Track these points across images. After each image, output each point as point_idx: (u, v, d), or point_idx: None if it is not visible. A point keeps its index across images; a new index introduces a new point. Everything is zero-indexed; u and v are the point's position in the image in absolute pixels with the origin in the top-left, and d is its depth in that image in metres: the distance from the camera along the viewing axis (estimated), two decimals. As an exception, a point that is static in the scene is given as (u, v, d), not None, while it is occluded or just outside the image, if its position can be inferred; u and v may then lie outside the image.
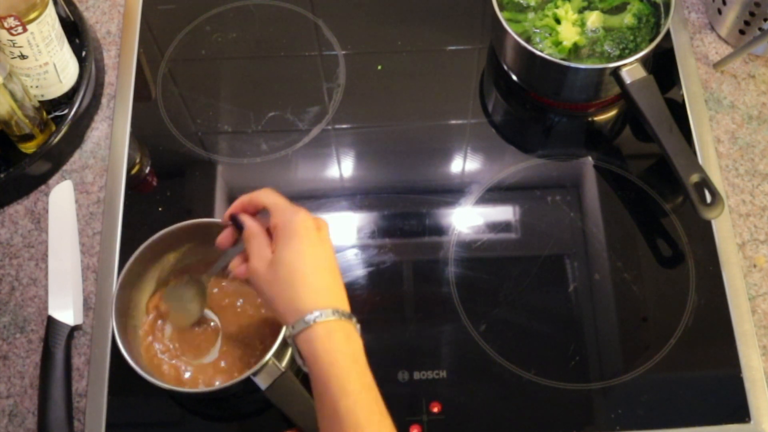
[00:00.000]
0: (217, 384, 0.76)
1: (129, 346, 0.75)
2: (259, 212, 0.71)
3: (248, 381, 0.74)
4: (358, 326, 0.66)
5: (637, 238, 0.89)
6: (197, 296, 0.79)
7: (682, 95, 0.96)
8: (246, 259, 0.69)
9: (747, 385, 0.80)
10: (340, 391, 0.61)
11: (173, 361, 0.78)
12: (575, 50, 0.91)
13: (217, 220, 0.81)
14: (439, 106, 0.98)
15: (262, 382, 0.73)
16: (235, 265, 0.71)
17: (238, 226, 0.71)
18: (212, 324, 0.81)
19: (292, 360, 0.79)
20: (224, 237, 0.73)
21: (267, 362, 0.73)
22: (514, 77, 0.96)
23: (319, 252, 0.67)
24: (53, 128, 0.92)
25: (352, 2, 1.06)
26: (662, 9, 0.92)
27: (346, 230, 0.90)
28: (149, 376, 0.73)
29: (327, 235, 0.69)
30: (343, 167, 0.95)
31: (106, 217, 0.90)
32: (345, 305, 0.67)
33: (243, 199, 0.71)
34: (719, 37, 1.01)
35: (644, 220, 0.90)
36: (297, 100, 0.98)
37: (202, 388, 0.77)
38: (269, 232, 0.69)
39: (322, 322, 0.63)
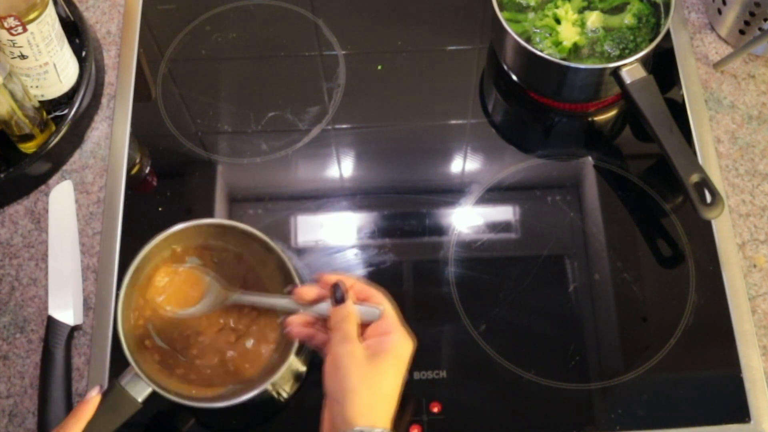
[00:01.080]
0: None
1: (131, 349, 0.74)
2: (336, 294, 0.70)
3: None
4: None
5: (637, 238, 0.89)
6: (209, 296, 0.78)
7: (682, 95, 0.96)
8: (311, 324, 0.70)
9: (747, 385, 0.80)
10: None
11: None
12: (575, 50, 0.91)
13: (216, 220, 0.81)
14: (439, 106, 0.98)
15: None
16: (295, 323, 0.71)
17: (337, 297, 0.69)
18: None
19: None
20: (307, 291, 0.72)
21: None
22: (514, 77, 0.96)
23: (396, 379, 0.66)
24: (53, 128, 0.92)
25: (352, 2, 1.06)
26: (662, 9, 0.92)
27: (346, 230, 0.90)
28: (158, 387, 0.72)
29: (408, 359, 0.68)
30: (343, 167, 0.95)
31: (106, 217, 0.90)
32: (387, 422, 0.66)
33: (350, 282, 0.70)
34: (719, 37, 1.01)
35: (644, 220, 0.90)
36: (297, 100, 0.98)
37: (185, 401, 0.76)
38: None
39: None
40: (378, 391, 0.65)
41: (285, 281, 0.77)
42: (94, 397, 0.72)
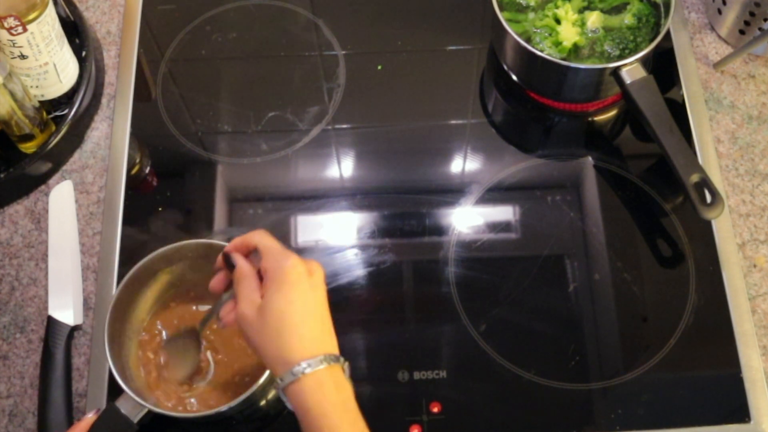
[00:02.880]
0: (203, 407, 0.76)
1: (122, 369, 0.75)
2: (252, 253, 0.69)
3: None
4: (348, 366, 0.65)
5: (637, 238, 0.89)
6: (193, 348, 0.77)
7: (682, 95, 0.96)
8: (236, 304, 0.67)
9: (747, 385, 0.80)
10: None
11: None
12: (575, 50, 0.91)
13: (209, 241, 0.80)
14: (439, 106, 0.98)
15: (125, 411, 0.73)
16: (226, 313, 0.69)
17: (231, 267, 0.69)
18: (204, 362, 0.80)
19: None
20: (217, 281, 0.71)
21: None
22: (514, 77, 0.96)
23: (310, 299, 0.65)
24: (53, 128, 0.92)
25: (352, 2, 1.06)
26: (662, 9, 0.92)
27: (346, 230, 0.90)
28: (144, 401, 0.73)
29: (320, 279, 0.67)
30: (343, 167, 0.95)
31: (106, 217, 0.90)
32: (334, 348, 0.65)
33: (236, 241, 0.69)
34: (719, 37, 1.01)
35: (644, 220, 0.90)
36: (297, 100, 0.98)
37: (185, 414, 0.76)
38: (261, 275, 0.67)
39: (311, 373, 0.62)
40: (289, 322, 0.63)
41: None
42: (89, 417, 0.73)
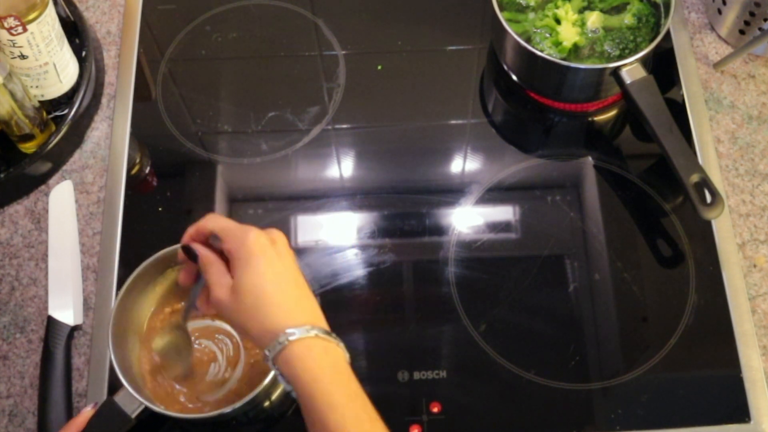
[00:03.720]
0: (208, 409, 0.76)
1: (123, 365, 0.74)
2: (210, 238, 0.69)
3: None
4: (342, 344, 0.64)
5: (637, 238, 0.89)
6: (184, 343, 0.77)
7: (682, 95, 0.96)
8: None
9: (747, 385, 0.80)
10: (326, 406, 0.60)
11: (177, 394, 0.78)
12: (575, 50, 0.91)
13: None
14: (439, 106, 0.98)
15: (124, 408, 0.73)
16: (202, 302, 0.69)
17: (193, 258, 0.69)
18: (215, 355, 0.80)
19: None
20: (185, 275, 0.71)
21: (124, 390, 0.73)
22: (514, 77, 0.96)
23: (279, 267, 0.65)
24: (53, 128, 0.92)
25: (352, 2, 1.06)
26: (662, 9, 0.92)
27: (346, 230, 0.90)
28: (150, 403, 0.72)
29: (284, 246, 0.66)
30: (343, 167, 0.95)
31: (106, 217, 0.90)
32: (320, 321, 0.65)
33: (190, 230, 0.69)
34: (719, 37, 1.01)
35: (644, 220, 0.90)
36: (297, 100, 0.98)
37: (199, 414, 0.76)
38: (224, 257, 0.67)
39: (296, 340, 0.61)
40: (265, 294, 0.63)
41: None
42: (87, 411, 0.73)
